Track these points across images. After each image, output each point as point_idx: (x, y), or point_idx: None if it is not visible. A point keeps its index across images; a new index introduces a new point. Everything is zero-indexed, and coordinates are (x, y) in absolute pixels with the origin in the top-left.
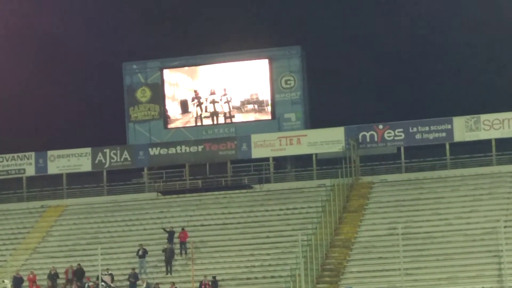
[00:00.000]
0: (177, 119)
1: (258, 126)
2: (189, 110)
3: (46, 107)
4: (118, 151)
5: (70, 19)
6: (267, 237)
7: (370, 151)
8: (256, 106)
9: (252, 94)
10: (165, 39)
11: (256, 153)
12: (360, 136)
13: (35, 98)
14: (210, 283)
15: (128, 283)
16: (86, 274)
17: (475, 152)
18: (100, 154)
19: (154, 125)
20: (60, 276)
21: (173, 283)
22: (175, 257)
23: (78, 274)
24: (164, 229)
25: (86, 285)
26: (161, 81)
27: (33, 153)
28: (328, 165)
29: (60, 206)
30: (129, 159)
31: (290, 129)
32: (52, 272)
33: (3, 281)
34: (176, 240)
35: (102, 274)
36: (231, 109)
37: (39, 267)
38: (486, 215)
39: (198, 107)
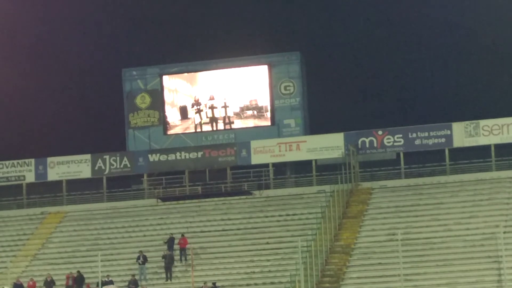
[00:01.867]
0: (177, 125)
1: (257, 132)
2: (189, 116)
3: (46, 114)
4: (118, 158)
5: (70, 25)
6: (267, 243)
7: (370, 157)
8: (255, 112)
9: (252, 100)
10: (165, 45)
11: (256, 159)
12: (359, 142)
13: (34, 105)
14: None
15: None
16: (86, 281)
17: (475, 157)
18: (99, 161)
19: (153, 131)
20: (58, 283)
21: None
22: (175, 263)
23: (78, 280)
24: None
25: None
26: (161, 87)
27: (33, 160)
28: (327, 171)
29: (60, 212)
30: (128, 165)
31: (289, 135)
32: (48, 279)
33: None
34: (176, 247)
35: None
36: (231, 115)
37: (40, 273)
38: (485, 221)
39: (198, 114)
